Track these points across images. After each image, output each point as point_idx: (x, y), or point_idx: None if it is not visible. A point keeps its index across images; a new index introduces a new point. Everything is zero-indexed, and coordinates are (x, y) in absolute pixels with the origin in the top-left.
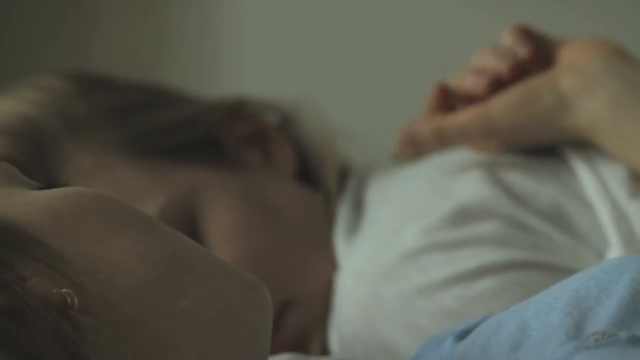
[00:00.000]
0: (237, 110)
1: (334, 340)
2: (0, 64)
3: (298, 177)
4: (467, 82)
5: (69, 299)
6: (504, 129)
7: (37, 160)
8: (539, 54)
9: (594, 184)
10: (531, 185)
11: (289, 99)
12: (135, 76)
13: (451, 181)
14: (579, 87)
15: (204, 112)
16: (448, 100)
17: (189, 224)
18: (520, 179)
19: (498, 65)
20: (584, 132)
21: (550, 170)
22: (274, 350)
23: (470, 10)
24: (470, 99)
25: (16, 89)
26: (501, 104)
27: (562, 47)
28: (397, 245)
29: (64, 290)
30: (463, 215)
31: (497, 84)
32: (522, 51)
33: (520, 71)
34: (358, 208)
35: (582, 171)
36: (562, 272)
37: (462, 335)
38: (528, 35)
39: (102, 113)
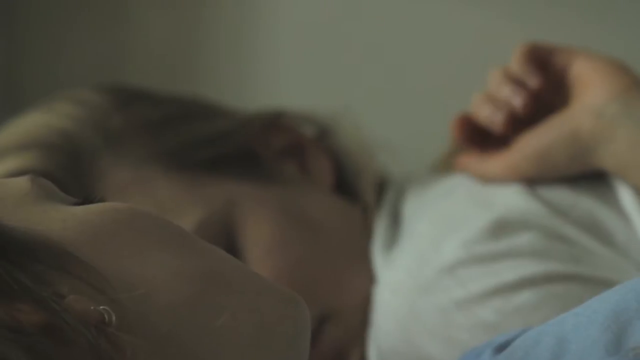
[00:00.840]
0: (274, 123)
1: (373, 354)
2: (36, 73)
3: (335, 189)
4: (484, 112)
5: (106, 316)
6: (530, 176)
7: (74, 174)
8: (550, 80)
9: (631, 196)
10: (569, 197)
11: (326, 110)
12: (170, 86)
13: (489, 193)
14: (599, 133)
15: (241, 124)
16: (470, 130)
17: (227, 237)
18: (558, 191)
19: (512, 99)
20: (610, 172)
21: (587, 182)
22: None
23: (509, 23)
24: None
25: (53, 103)
26: (523, 154)
27: (574, 64)
28: (436, 259)
29: (101, 307)
30: (501, 228)
31: (515, 119)
32: (532, 82)
33: (535, 102)
34: (396, 220)
35: (619, 183)
36: (601, 284)
37: (500, 348)
38: (535, 58)
39: (139, 126)
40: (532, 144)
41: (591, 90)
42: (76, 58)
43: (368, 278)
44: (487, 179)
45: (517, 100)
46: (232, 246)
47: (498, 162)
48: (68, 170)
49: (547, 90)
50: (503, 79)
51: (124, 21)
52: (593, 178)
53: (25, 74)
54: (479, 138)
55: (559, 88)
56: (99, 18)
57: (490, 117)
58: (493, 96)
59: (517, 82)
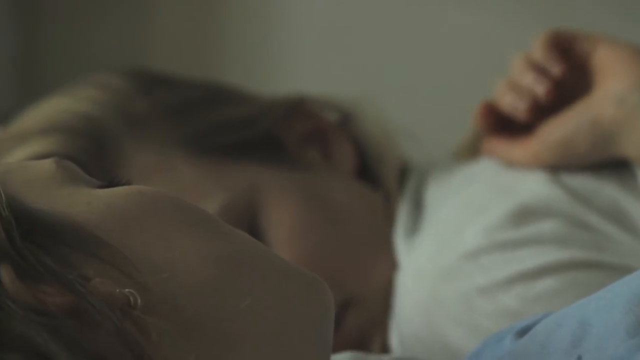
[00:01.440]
0: (297, 108)
1: (395, 339)
2: (59, 61)
3: (358, 175)
4: (508, 100)
5: (132, 299)
6: (552, 164)
7: (97, 158)
8: (573, 68)
9: None
10: (591, 184)
11: (349, 96)
12: (194, 72)
13: (511, 180)
14: (621, 121)
15: (264, 110)
16: (494, 117)
17: (249, 222)
18: (581, 178)
19: (535, 87)
20: (632, 160)
21: (610, 170)
22: (335, 349)
23: (533, 12)
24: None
25: (76, 87)
26: (545, 143)
27: (597, 52)
28: (458, 245)
29: (127, 289)
30: (524, 215)
31: (537, 107)
32: (555, 70)
33: (558, 89)
34: (418, 207)
35: None
36: (623, 271)
37: (522, 333)
38: (558, 46)
39: (162, 111)
40: (554, 132)
41: (613, 78)
42: (97, 45)
43: (390, 264)
44: (511, 165)
45: (540, 88)
46: (254, 231)
47: (521, 149)
48: (91, 154)
49: (570, 78)
50: (526, 66)
51: (145, 10)
52: (616, 165)
53: (46, 61)
54: (502, 125)
55: (582, 75)
56: (121, 6)
57: (514, 104)
58: (516, 84)
59: (540, 70)
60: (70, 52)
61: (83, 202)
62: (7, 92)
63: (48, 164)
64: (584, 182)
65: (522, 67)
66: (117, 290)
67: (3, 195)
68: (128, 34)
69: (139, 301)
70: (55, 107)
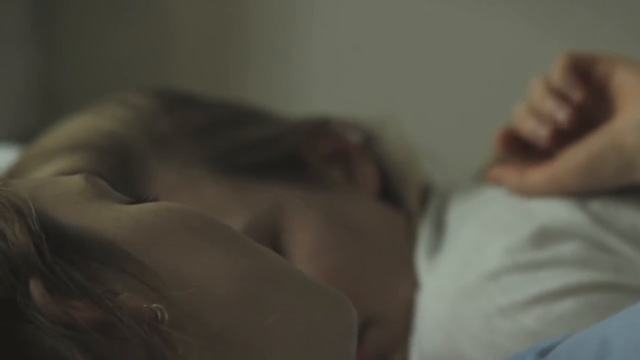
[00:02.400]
0: (321, 129)
1: (415, 358)
2: (80, 80)
3: (380, 196)
4: (529, 125)
5: (159, 314)
6: (573, 189)
7: (122, 176)
8: (592, 91)
9: None
10: (612, 207)
11: (372, 117)
12: (216, 92)
13: (533, 202)
14: None
15: (288, 130)
16: (514, 143)
17: (272, 241)
18: (601, 201)
19: (556, 113)
20: None
21: (630, 192)
22: None
23: (554, 35)
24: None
25: (102, 106)
26: (567, 168)
27: (616, 75)
28: (479, 265)
29: (154, 304)
30: (545, 236)
31: (559, 133)
32: (576, 96)
33: (578, 114)
34: (439, 227)
35: None
36: None
37: (543, 353)
38: (577, 69)
39: (187, 130)
40: (576, 157)
41: (634, 104)
42: (118, 65)
43: (411, 284)
44: (528, 192)
45: (561, 115)
46: (277, 250)
47: (540, 174)
48: (116, 173)
49: (589, 101)
50: (546, 92)
51: (167, 29)
52: (636, 188)
53: (67, 80)
54: (521, 150)
55: (601, 98)
56: (142, 25)
57: (535, 130)
58: (536, 109)
59: (560, 95)
60: (92, 71)
61: (112, 218)
62: (28, 110)
63: (77, 179)
64: (604, 206)
65: (542, 92)
66: (145, 305)
67: (33, 210)
68: (149, 53)
69: (167, 316)
70: (81, 125)
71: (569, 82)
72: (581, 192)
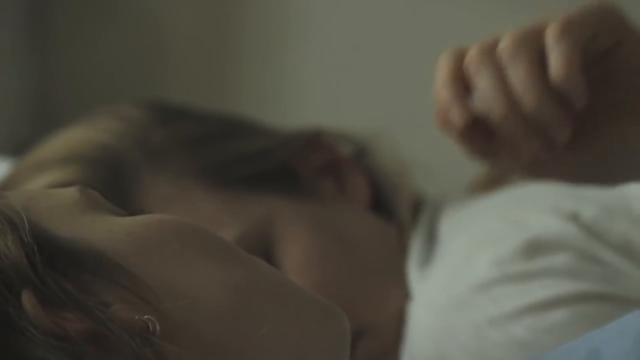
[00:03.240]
0: (313, 141)
1: None
2: (73, 92)
3: (372, 207)
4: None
5: (151, 325)
6: (590, 182)
7: (115, 188)
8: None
9: None
10: (603, 219)
11: (364, 129)
12: (209, 104)
13: (524, 214)
14: None
15: (280, 142)
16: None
17: (264, 252)
18: (592, 213)
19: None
20: None
21: (621, 205)
22: None
23: None
24: None
25: (95, 118)
26: (584, 161)
27: (622, 49)
28: (470, 276)
29: (146, 316)
30: (535, 248)
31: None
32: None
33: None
34: (431, 239)
35: None
36: (633, 304)
37: None
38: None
39: (180, 142)
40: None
41: None
42: (112, 77)
43: (403, 294)
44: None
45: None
46: (268, 261)
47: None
48: (109, 185)
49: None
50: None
51: (160, 40)
52: (627, 200)
53: (61, 91)
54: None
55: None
56: (136, 36)
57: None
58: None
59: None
60: (85, 82)
61: (104, 230)
62: (22, 121)
63: (71, 191)
64: (595, 216)
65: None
66: (137, 317)
67: (26, 222)
68: (143, 63)
69: (158, 328)
70: (74, 137)
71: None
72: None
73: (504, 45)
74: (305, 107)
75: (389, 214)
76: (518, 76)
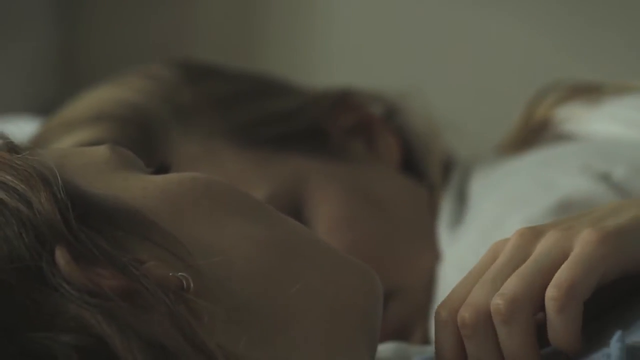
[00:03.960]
0: (343, 101)
1: None
2: (101, 51)
3: (402, 168)
4: None
5: (185, 282)
6: None
7: (144, 147)
8: None
9: None
10: (634, 179)
11: (394, 90)
12: (238, 63)
13: (554, 174)
14: None
15: (310, 102)
16: None
17: (294, 213)
18: (623, 173)
19: None
20: None
21: None
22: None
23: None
24: None
25: (124, 77)
26: None
27: None
28: (500, 237)
29: (180, 273)
30: (566, 208)
31: None
32: None
33: None
34: (462, 200)
35: None
36: None
37: None
38: None
39: (209, 101)
40: None
41: None
42: (139, 37)
43: (433, 255)
44: None
45: None
46: (298, 221)
47: None
48: (138, 143)
49: None
50: None
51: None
52: None
53: (88, 51)
54: None
55: None
56: None
57: None
58: None
59: None
60: (114, 42)
61: (138, 187)
62: (50, 81)
63: (103, 149)
64: (628, 177)
65: None
66: (171, 274)
67: (59, 179)
68: (171, 24)
69: (192, 285)
70: (103, 96)
71: None
72: None
73: (497, 307)
74: (335, 68)
75: (419, 175)
76: (512, 345)
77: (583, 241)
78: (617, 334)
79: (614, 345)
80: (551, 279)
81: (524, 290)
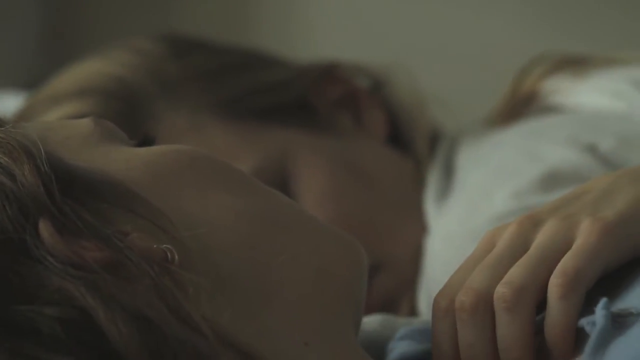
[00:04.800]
0: (330, 74)
1: (423, 302)
2: (85, 26)
3: (389, 141)
4: None
5: (169, 254)
6: None
7: (129, 120)
8: None
9: None
10: (621, 150)
11: (381, 63)
12: (224, 37)
13: (541, 145)
14: None
15: (296, 75)
16: None
17: (280, 186)
18: (610, 144)
19: None
20: None
21: (639, 136)
22: (364, 312)
23: None
24: None
25: (110, 51)
26: None
27: None
28: (487, 209)
29: (164, 245)
30: (554, 180)
31: None
32: None
33: None
34: (448, 172)
35: None
36: None
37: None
38: None
39: (195, 75)
40: None
41: None
42: (124, 6)
43: (420, 228)
44: None
45: None
46: (285, 195)
47: None
48: (124, 117)
49: None
50: None
51: None
52: None
53: (72, 25)
54: None
55: None
56: None
57: None
58: None
59: None
60: (99, 15)
61: (121, 160)
62: (35, 55)
63: (86, 122)
64: (614, 149)
65: None
66: (155, 246)
67: (42, 151)
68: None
69: (176, 257)
70: (89, 69)
71: None
72: None
73: (502, 295)
74: (320, 41)
75: (406, 147)
76: (510, 334)
77: (585, 231)
78: (602, 302)
79: (599, 313)
80: (554, 269)
81: (530, 279)
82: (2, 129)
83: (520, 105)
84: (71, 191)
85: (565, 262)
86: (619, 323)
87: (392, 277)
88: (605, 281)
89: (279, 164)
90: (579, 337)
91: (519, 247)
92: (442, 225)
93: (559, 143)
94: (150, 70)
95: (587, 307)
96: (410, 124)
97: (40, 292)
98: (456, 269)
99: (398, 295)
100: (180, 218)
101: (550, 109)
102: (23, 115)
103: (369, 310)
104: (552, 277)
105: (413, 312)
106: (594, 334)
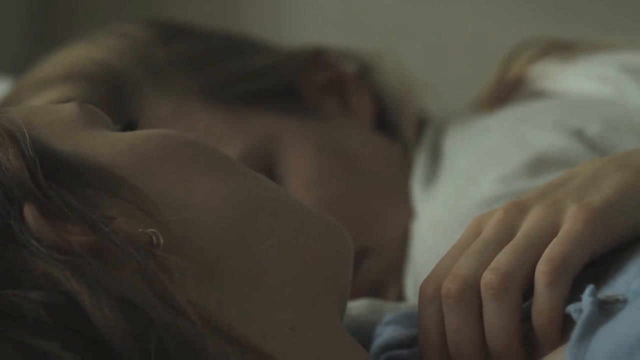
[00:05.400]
0: (316, 59)
1: (410, 287)
2: (72, 11)
3: (376, 126)
4: None
5: (154, 239)
6: None
7: (115, 105)
8: None
9: None
10: (609, 135)
11: (368, 48)
12: (211, 22)
13: (529, 130)
14: None
15: (283, 60)
16: None
17: (267, 171)
18: (597, 129)
19: None
20: None
21: (628, 122)
22: (351, 297)
23: None
24: None
25: (96, 36)
26: None
27: None
28: (474, 194)
29: (149, 229)
30: (541, 164)
31: None
32: None
33: None
34: (435, 157)
35: None
36: None
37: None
38: None
39: (182, 60)
40: None
41: None
42: None
43: (407, 213)
44: None
45: None
46: (272, 180)
47: None
48: (110, 102)
49: None
50: None
51: None
52: (636, 118)
53: (60, 6)
54: None
55: None
56: None
57: None
58: None
59: None
60: (83, 2)
61: (106, 144)
62: (21, 40)
63: (71, 106)
64: (601, 134)
65: None
66: (140, 230)
67: (27, 136)
68: None
69: (162, 241)
70: (75, 55)
71: None
72: None
73: (489, 281)
74: (308, 26)
75: (393, 132)
76: (497, 321)
77: (572, 218)
78: (589, 289)
79: (586, 300)
80: (540, 255)
81: (516, 266)
82: None
83: (507, 90)
84: (56, 176)
85: (552, 249)
86: (605, 310)
87: (379, 262)
88: (592, 267)
89: (266, 149)
90: (566, 323)
91: (506, 234)
92: (429, 210)
93: (546, 128)
94: (137, 56)
95: (574, 294)
96: (398, 109)
97: (25, 277)
98: (443, 254)
99: (385, 280)
100: (165, 202)
101: (537, 94)
102: (9, 101)
103: (356, 295)
104: (538, 264)
105: (400, 297)
106: (580, 320)
